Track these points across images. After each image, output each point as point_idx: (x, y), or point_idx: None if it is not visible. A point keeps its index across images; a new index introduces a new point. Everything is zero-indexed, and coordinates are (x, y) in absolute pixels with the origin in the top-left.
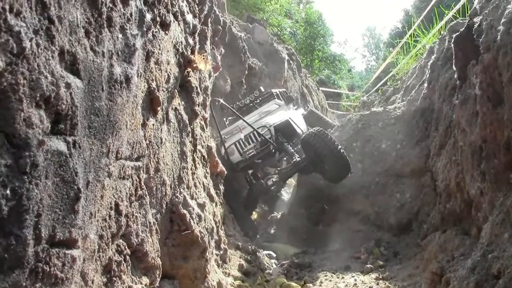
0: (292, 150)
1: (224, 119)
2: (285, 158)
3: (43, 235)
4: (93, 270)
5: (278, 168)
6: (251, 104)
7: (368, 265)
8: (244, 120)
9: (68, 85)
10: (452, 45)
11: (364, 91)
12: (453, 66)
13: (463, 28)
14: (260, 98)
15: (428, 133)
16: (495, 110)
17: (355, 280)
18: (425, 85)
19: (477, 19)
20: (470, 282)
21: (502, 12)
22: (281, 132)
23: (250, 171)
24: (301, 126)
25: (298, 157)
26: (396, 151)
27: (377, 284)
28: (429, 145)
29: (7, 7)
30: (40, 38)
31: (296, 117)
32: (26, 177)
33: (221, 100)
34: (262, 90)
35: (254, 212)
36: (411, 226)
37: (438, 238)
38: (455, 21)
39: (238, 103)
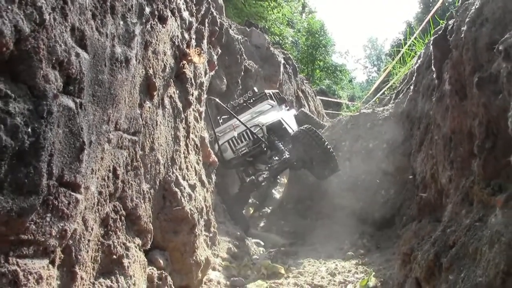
0: (283, 148)
1: (218, 117)
2: (276, 157)
3: (54, 172)
4: (92, 219)
5: (269, 165)
6: (245, 104)
7: (350, 253)
8: (237, 119)
9: (77, 55)
10: (431, 46)
11: (364, 102)
12: (432, 66)
13: (441, 30)
14: (253, 98)
15: (413, 132)
16: (461, 103)
17: (336, 265)
18: (412, 88)
19: (451, 21)
20: (430, 253)
21: (468, 14)
22: (273, 131)
23: (242, 168)
24: (292, 126)
25: (288, 155)
26: (382, 150)
27: (356, 268)
28: (412, 144)
29: None
30: (56, 14)
31: (287, 117)
32: (43, 121)
33: (217, 99)
34: (256, 90)
35: (250, 208)
36: (394, 221)
37: (414, 226)
38: (439, 26)
39: (232, 102)
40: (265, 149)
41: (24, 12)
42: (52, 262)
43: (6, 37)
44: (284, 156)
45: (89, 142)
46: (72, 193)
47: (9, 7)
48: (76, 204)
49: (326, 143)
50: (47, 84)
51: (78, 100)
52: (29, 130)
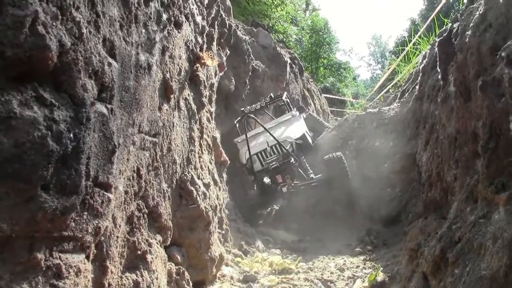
0: (307, 165)
1: (235, 122)
2: (300, 170)
3: (90, 174)
4: (120, 217)
5: (296, 182)
6: (261, 110)
7: (357, 249)
8: (270, 134)
9: (109, 64)
10: (436, 48)
11: (368, 99)
12: (438, 67)
13: (446, 33)
14: (269, 104)
15: (418, 131)
16: (466, 104)
17: (345, 261)
18: (417, 87)
19: (456, 25)
20: (436, 249)
21: (472, 19)
22: (299, 145)
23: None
24: (310, 134)
25: (312, 173)
26: (388, 149)
27: (364, 264)
28: (418, 143)
29: (71, 2)
30: (91, 27)
31: (305, 127)
32: (82, 126)
33: (253, 116)
34: (272, 96)
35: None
36: (400, 218)
37: (420, 223)
38: (444, 28)
39: (248, 107)
40: (295, 163)
41: (65, 27)
42: (87, 257)
43: (52, 51)
44: (311, 176)
45: (118, 144)
46: (105, 193)
47: (54, 23)
48: (109, 203)
49: (348, 172)
50: (85, 92)
51: (109, 106)
52: (71, 135)
